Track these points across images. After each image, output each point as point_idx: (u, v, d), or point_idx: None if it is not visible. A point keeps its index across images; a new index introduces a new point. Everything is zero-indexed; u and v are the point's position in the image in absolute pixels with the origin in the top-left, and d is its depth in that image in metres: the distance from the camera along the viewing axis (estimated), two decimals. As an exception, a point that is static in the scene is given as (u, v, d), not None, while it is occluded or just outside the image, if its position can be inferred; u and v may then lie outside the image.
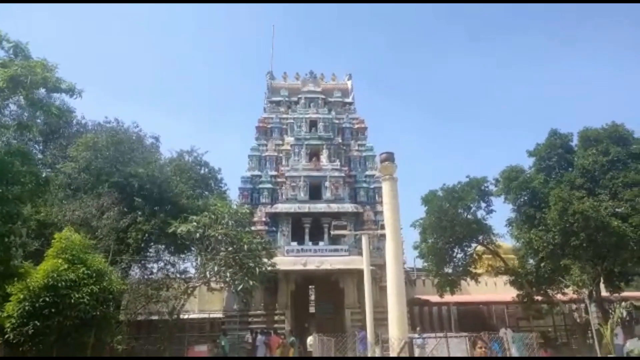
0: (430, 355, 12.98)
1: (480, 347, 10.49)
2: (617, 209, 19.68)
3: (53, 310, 11.40)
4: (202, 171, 27.68)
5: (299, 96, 32.26)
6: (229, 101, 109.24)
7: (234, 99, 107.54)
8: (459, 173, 65.71)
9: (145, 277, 20.92)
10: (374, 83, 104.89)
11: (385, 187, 6.86)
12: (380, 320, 20.24)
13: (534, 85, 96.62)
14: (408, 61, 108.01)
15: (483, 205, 23.11)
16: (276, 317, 24.69)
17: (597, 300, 20.90)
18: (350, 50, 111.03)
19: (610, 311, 19.62)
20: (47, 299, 11.41)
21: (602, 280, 20.87)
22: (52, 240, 12.95)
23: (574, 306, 26.78)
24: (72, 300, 11.56)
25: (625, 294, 22.76)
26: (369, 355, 12.08)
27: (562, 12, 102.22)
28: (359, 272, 21.06)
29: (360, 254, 19.19)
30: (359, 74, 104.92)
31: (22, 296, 11.45)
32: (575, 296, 22.47)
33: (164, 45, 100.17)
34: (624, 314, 20.55)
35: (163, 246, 22.60)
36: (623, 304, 19.84)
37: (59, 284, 11.66)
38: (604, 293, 21.94)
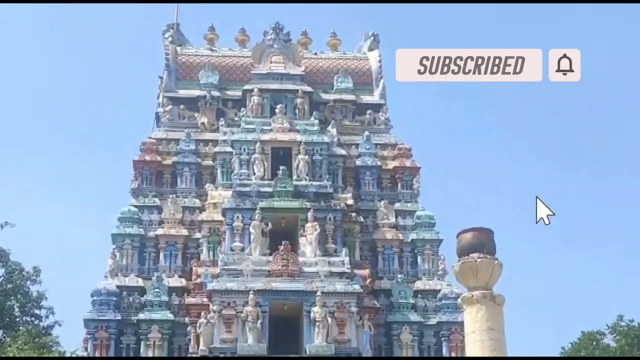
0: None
1: None
2: None
3: None
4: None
5: (248, 87, 15.57)
6: (71, 103, 42.28)
7: (84, 99, 43.24)
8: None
9: None
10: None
11: (473, 321, 3.08)
12: None
13: None
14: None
15: None
16: None
17: None
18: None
19: None
20: None
21: None
22: None
23: None
24: None
25: None
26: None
27: None
28: None
29: None
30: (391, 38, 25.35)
31: None
32: None
33: None
34: None
35: None
36: None
37: None
38: None
